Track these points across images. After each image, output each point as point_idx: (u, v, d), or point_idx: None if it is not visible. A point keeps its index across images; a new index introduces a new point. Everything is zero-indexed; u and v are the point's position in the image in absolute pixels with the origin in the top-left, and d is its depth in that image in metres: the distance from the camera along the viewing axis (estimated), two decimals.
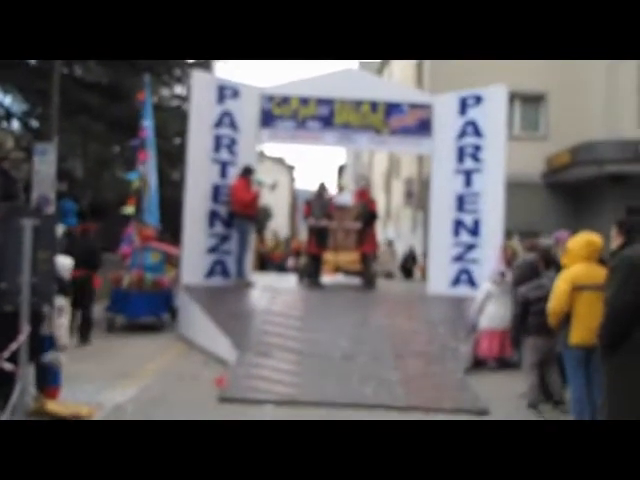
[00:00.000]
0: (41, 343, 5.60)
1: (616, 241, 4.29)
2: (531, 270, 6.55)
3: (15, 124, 16.99)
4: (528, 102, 17.02)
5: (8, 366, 5.10)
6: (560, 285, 5.23)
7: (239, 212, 9.93)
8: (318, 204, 10.57)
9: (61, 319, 5.73)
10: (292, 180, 55.13)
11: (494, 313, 8.10)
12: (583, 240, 5.22)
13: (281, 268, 18.24)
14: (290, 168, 54.61)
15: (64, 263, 5.90)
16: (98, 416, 5.45)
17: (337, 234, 11.17)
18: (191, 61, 16.73)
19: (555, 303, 5.29)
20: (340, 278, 11.99)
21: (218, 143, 10.19)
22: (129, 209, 10.44)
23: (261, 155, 36.64)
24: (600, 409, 4.63)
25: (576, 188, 16.28)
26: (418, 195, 20.01)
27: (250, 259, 10.78)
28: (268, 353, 7.47)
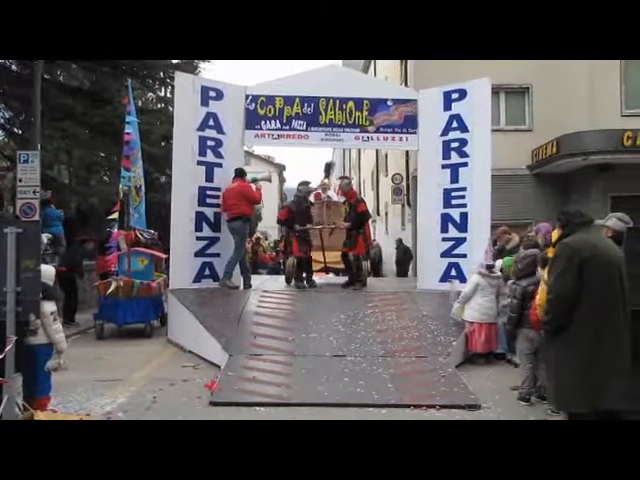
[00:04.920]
0: (33, 352, 5.57)
1: (556, 233, 4.58)
2: (534, 265, 6.61)
3: None
4: (512, 95, 17.05)
5: None
6: (547, 278, 5.30)
7: (241, 214, 9.85)
8: (298, 210, 10.39)
9: (57, 324, 5.68)
10: (282, 180, 54.92)
11: (482, 305, 8.14)
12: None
13: (274, 270, 18.15)
14: (280, 167, 54.42)
15: (47, 270, 5.85)
16: None
17: (324, 234, 11.07)
18: (175, 61, 16.69)
19: (543, 295, 5.36)
20: (330, 277, 11.95)
21: (203, 145, 10.12)
22: (114, 215, 10.45)
23: (249, 154, 36.66)
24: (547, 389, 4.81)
25: (562, 179, 16.38)
26: (406, 191, 20.05)
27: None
28: (259, 355, 7.47)
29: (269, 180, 10.35)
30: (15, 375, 5.28)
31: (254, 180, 10.22)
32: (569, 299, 4.12)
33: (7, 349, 5.13)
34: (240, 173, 10.07)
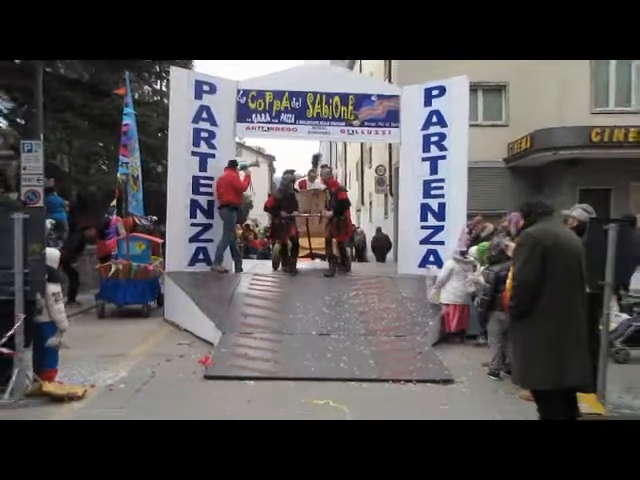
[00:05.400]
0: (40, 329, 5.69)
1: (520, 223, 4.62)
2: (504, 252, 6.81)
3: (2, 122, 16.84)
4: (490, 92, 17.19)
5: (5, 351, 5.23)
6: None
7: (228, 202, 9.93)
8: (285, 197, 10.36)
9: (59, 304, 5.78)
10: (272, 170, 54.71)
11: (457, 289, 8.32)
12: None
13: (264, 255, 18.15)
14: (270, 158, 54.23)
15: (52, 253, 5.95)
16: (92, 395, 5.58)
17: (310, 221, 11.12)
18: None
19: (511, 281, 5.55)
20: (316, 262, 12.03)
21: (197, 137, 10.17)
22: (113, 202, 10.55)
23: (241, 146, 36.56)
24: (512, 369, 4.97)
25: (535, 172, 16.58)
26: (389, 182, 20.19)
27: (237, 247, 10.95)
28: (249, 333, 7.60)
29: (257, 165, 10.44)
30: (25, 349, 5.43)
31: (243, 167, 10.28)
32: (533, 286, 4.16)
33: (16, 326, 5.27)
34: (231, 164, 10.17)
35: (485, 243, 8.23)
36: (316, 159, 13.57)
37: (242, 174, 10.29)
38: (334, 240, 10.50)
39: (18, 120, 16.37)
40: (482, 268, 7.50)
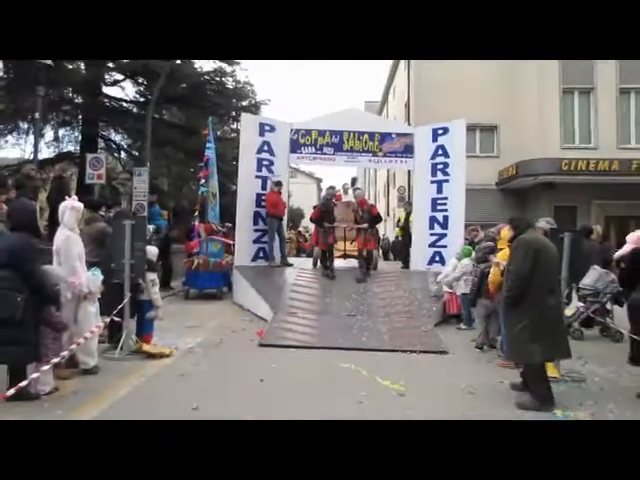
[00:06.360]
0: (141, 305, 5.91)
1: (509, 233, 4.64)
2: (489, 252, 6.75)
3: (122, 154, 17.55)
4: (485, 131, 17.06)
5: (117, 319, 5.49)
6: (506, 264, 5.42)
7: (271, 213, 10.00)
8: (327, 210, 10.01)
9: (155, 287, 5.99)
10: (320, 189, 54.70)
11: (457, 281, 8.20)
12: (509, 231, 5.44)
13: (311, 255, 18.04)
14: (318, 180, 54.34)
15: (152, 250, 6.17)
16: (176, 355, 5.75)
17: (347, 229, 11.08)
18: (244, 104, 16.95)
19: (492, 276, 5.52)
20: (349, 262, 11.92)
21: (260, 164, 10.33)
22: (196, 213, 10.85)
23: (297, 170, 36.83)
24: (502, 344, 4.88)
25: (519, 193, 16.43)
26: (408, 199, 20.04)
27: (287, 248, 10.96)
28: (294, 313, 7.67)
29: (280, 181, 10.31)
30: (130, 319, 5.68)
31: (278, 185, 10.25)
32: (527, 278, 4.15)
33: (124, 302, 5.53)
34: (274, 185, 10.09)
35: (466, 247, 8.20)
36: (354, 181, 13.55)
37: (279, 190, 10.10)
38: (365, 249, 10.27)
39: (134, 152, 16.96)
40: (459, 262, 7.72)
